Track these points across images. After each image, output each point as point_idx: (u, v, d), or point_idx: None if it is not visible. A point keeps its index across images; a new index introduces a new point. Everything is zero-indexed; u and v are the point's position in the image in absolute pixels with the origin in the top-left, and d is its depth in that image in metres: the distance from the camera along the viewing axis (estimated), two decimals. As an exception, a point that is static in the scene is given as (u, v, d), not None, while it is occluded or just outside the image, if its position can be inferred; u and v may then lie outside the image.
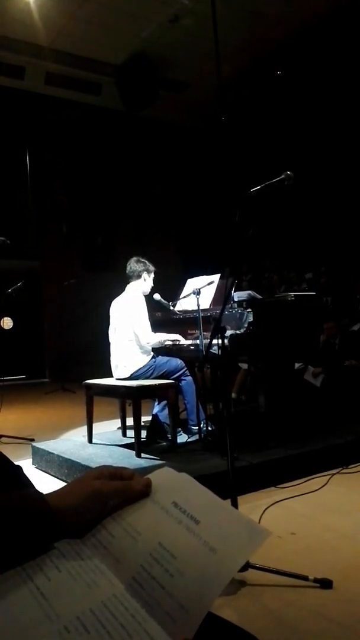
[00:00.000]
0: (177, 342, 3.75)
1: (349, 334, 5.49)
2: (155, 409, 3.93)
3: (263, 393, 3.60)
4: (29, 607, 0.51)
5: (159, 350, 3.80)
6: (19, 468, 0.75)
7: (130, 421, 3.62)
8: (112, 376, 3.80)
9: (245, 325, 3.38)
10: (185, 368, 3.71)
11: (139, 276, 3.88)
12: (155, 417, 3.91)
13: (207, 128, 9.50)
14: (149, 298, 3.91)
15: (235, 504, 2.10)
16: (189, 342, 3.75)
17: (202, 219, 10.45)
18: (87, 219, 10.63)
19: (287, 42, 8.21)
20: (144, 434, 3.71)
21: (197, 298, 3.46)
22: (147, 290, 3.92)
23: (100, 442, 3.82)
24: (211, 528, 0.60)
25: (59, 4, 7.40)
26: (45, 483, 3.31)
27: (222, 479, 2.18)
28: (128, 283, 3.94)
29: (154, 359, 3.68)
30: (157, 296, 3.95)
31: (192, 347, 3.66)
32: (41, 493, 0.62)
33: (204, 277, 3.87)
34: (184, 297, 3.91)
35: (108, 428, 4.57)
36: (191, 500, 0.64)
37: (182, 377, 3.68)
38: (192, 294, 3.55)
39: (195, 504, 0.63)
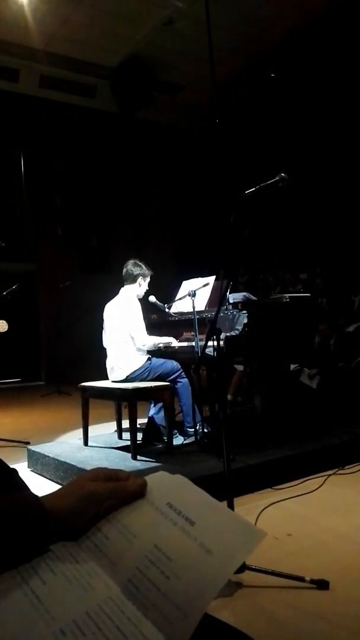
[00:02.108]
0: (169, 344, 3.74)
1: (344, 335, 5.50)
2: (151, 411, 3.92)
3: (259, 394, 3.61)
4: (24, 611, 0.51)
5: (154, 352, 3.80)
6: (14, 471, 0.75)
7: (126, 423, 3.61)
8: (107, 378, 3.80)
9: (237, 326, 3.39)
10: (181, 370, 3.71)
11: (134, 280, 3.88)
12: (151, 419, 3.90)
13: (202, 130, 9.51)
14: (144, 300, 3.91)
15: (231, 506, 2.10)
16: (184, 344, 3.74)
17: (197, 220, 10.46)
18: (82, 221, 10.63)
19: (281, 44, 8.24)
20: (140, 436, 3.71)
21: (193, 300, 3.46)
22: (141, 294, 3.92)
23: (96, 445, 3.81)
24: (207, 529, 0.60)
25: (53, 6, 7.39)
26: (41, 486, 3.30)
27: (219, 481, 2.18)
28: (123, 285, 3.94)
29: (149, 361, 3.68)
30: (152, 298, 3.95)
31: (187, 349, 3.66)
32: (36, 495, 0.62)
33: (200, 279, 3.87)
34: (180, 299, 3.91)
35: (104, 430, 4.56)
36: (186, 501, 0.64)
37: (178, 379, 3.68)
38: (187, 296, 3.55)
39: (191, 506, 0.63)
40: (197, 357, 3.29)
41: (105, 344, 3.90)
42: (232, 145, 8.97)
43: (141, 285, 3.90)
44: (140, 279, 3.89)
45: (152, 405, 3.95)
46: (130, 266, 3.91)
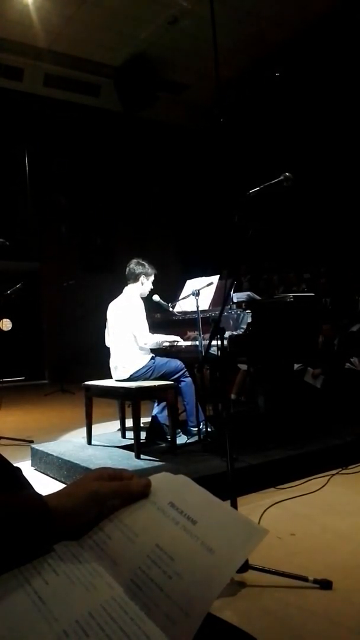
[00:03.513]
0: (176, 343, 3.74)
1: (348, 334, 5.49)
2: (155, 410, 3.92)
3: (262, 394, 3.60)
4: (26, 611, 0.51)
5: (157, 351, 3.80)
6: (18, 470, 0.75)
7: (129, 422, 3.61)
8: (111, 377, 3.80)
9: (243, 326, 3.38)
10: (185, 369, 3.70)
11: (136, 279, 3.88)
12: (154, 418, 3.91)
13: (206, 129, 9.50)
14: (147, 299, 3.91)
15: (234, 505, 2.09)
16: (188, 343, 3.74)
17: (201, 220, 10.45)
18: (86, 220, 10.64)
19: (286, 44, 8.22)
20: (143, 435, 3.71)
21: (197, 299, 3.46)
22: (145, 293, 3.92)
23: (99, 444, 3.82)
24: (208, 528, 0.60)
25: (58, 5, 7.40)
26: (45, 485, 3.31)
27: (222, 480, 2.18)
28: (126, 285, 3.94)
29: (153, 360, 3.68)
30: (156, 297, 3.95)
31: (191, 348, 3.66)
32: (40, 494, 0.62)
33: (203, 278, 3.87)
34: (183, 298, 3.91)
35: (107, 429, 4.56)
36: (188, 500, 0.64)
37: (182, 378, 3.68)
38: (191, 295, 3.55)
39: (192, 505, 0.63)
40: (201, 357, 3.29)
41: (108, 343, 3.90)
42: (236, 144, 8.96)
43: (144, 284, 3.90)
44: (142, 278, 3.88)
45: (156, 404, 3.95)
46: (133, 265, 3.91)
